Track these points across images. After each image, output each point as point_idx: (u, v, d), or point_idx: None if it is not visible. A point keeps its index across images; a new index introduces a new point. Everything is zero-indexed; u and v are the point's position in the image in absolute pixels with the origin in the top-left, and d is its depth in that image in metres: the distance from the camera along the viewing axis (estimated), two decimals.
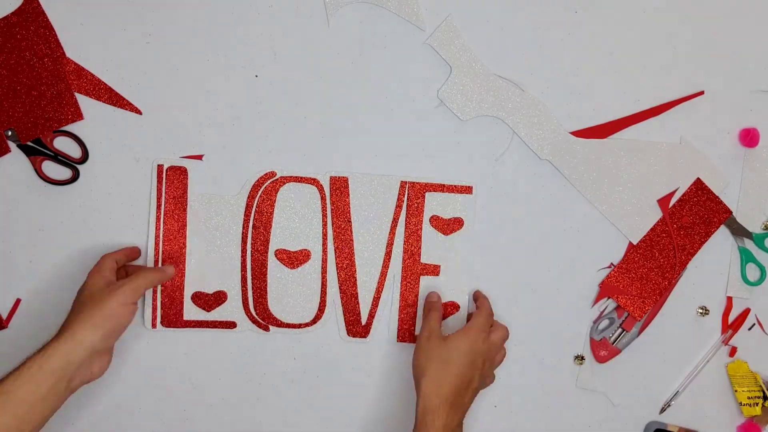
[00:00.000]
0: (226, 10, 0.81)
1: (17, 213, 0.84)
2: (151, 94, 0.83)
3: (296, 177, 0.83)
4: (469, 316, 0.83)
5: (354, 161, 0.84)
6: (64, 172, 0.83)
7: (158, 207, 0.82)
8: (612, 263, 0.87)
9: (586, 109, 0.85)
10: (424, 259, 0.84)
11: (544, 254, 0.86)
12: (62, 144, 0.83)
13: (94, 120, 0.83)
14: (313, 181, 0.83)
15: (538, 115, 0.84)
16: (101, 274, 0.75)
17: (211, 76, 0.82)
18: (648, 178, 0.85)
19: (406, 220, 0.84)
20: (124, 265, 0.81)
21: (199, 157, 0.84)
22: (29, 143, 0.82)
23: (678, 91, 0.85)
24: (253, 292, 0.84)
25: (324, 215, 0.83)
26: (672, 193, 0.85)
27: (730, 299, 0.88)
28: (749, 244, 0.87)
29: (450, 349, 0.75)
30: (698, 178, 0.85)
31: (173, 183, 0.82)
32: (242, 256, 0.83)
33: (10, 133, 0.82)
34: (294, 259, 0.83)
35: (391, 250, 0.84)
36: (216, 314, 0.85)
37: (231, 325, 0.84)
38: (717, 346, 0.88)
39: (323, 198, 0.83)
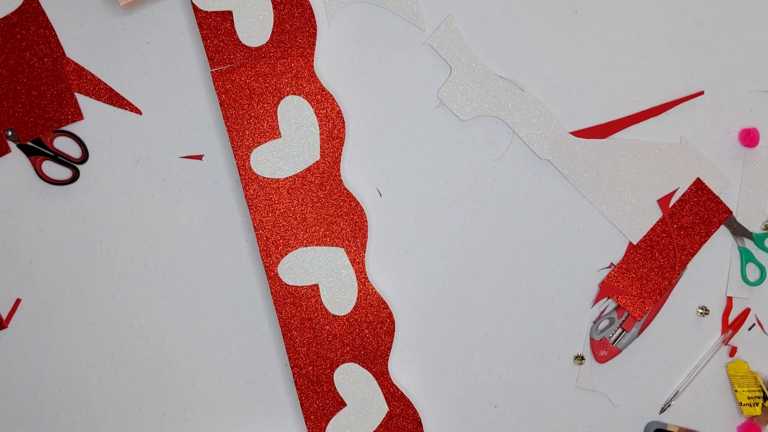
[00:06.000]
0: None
1: (17, 213, 0.84)
2: (151, 94, 0.83)
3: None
4: None
5: (354, 161, 0.85)
6: (64, 172, 0.83)
7: None
8: (612, 263, 0.87)
9: (586, 109, 0.85)
10: None
11: (544, 254, 0.86)
12: (62, 144, 0.83)
13: (94, 120, 0.83)
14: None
15: (538, 115, 0.84)
16: None
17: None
18: (648, 178, 0.85)
19: None
20: None
21: (199, 157, 0.84)
22: (29, 143, 0.82)
23: (678, 91, 0.84)
24: None
25: None
26: (672, 193, 0.85)
27: (730, 299, 0.88)
28: (749, 244, 0.87)
29: None
30: (698, 178, 0.85)
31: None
32: None
33: (10, 133, 0.82)
34: None
35: None
36: None
37: None
38: (717, 346, 0.88)
39: None
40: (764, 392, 0.87)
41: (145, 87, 0.83)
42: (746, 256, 0.87)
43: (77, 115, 0.82)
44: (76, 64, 0.82)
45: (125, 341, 0.87)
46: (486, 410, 0.88)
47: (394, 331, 0.85)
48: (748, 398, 0.87)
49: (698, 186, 0.85)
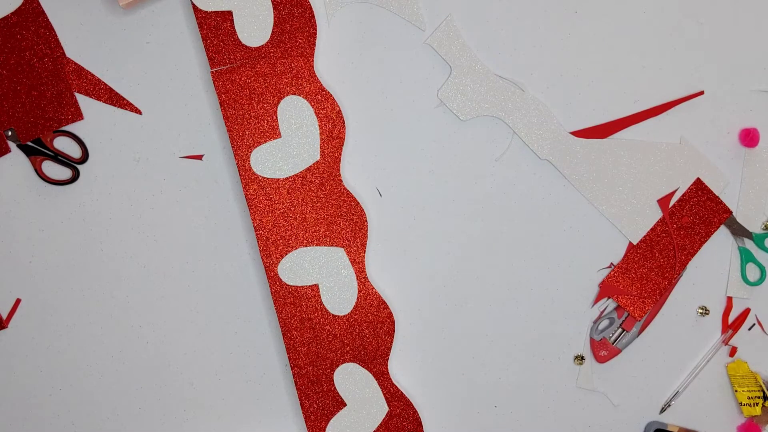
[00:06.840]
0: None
1: (17, 213, 0.84)
2: (151, 94, 0.83)
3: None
4: None
5: (354, 161, 0.85)
6: (64, 172, 0.83)
7: None
8: (612, 263, 0.87)
9: (586, 109, 0.85)
10: None
11: (544, 254, 0.86)
12: (62, 144, 0.83)
13: (94, 120, 0.83)
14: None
15: (538, 115, 0.84)
16: None
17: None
18: (648, 178, 0.85)
19: None
20: None
21: (199, 157, 0.84)
22: (29, 143, 0.82)
23: (678, 91, 0.84)
24: None
25: None
26: (672, 193, 0.85)
27: (730, 299, 0.88)
28: (749, 244, 0.87)
29: None
30: (698, 178, 0.85)
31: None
32: None
33: (10, 133, 0.82)
34: None
35: None
36: None
37: None
38: (717, 346, 0.88)
39: None
40: (764, 392, 0.87)
41: (145, 87, 0.83)
42: (746, 256, 0.87)
43: (77, 115, 0.82)
44: (76, 64, 0.82)
45: (125, 341, 0.87)
46: (486, 410, 0.88)
47: (394, 331, 0.85)
48: (748, 398, 0.87)
49: (698, 186, 0.85)
